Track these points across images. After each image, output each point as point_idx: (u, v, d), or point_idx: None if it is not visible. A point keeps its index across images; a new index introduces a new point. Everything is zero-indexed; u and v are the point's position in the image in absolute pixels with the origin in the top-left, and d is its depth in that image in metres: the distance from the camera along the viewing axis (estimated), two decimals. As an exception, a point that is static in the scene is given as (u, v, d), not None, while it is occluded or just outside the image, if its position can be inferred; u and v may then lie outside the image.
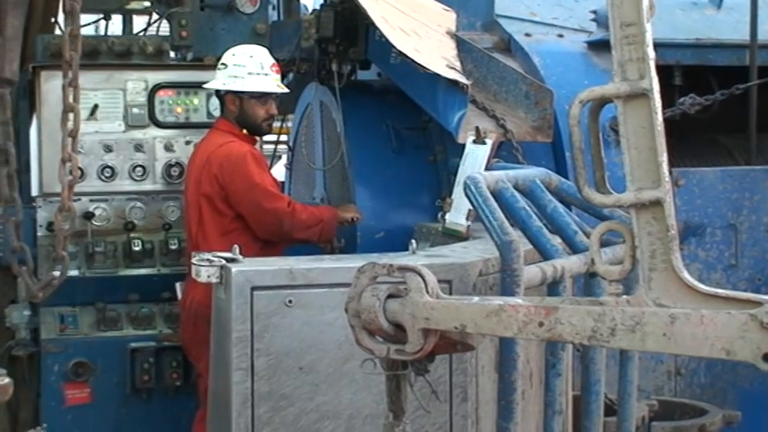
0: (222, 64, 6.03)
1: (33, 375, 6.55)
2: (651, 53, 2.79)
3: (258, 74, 5.98)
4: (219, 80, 6.03)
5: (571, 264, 3.95)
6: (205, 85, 6.18)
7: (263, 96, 6.01)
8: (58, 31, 7.12)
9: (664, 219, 2.78)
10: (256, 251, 5.63)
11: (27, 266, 3.86)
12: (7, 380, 2.22)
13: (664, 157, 2.77)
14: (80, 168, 6.28)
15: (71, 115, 3.79)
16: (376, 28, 5.69)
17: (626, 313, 2.78)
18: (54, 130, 6.25)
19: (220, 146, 5.94)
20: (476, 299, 3.19)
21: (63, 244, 3.71)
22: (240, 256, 4.15)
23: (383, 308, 3.20)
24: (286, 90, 6.20)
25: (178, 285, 6.23)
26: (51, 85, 6.36)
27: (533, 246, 4.03)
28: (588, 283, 4.11)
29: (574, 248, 4.12)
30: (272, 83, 6.01)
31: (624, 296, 2.94)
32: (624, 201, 2.85)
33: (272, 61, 6.04)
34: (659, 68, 2.84)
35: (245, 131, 6.05)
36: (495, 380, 3.94)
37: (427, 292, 3.15)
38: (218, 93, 6.13)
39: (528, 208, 4.08)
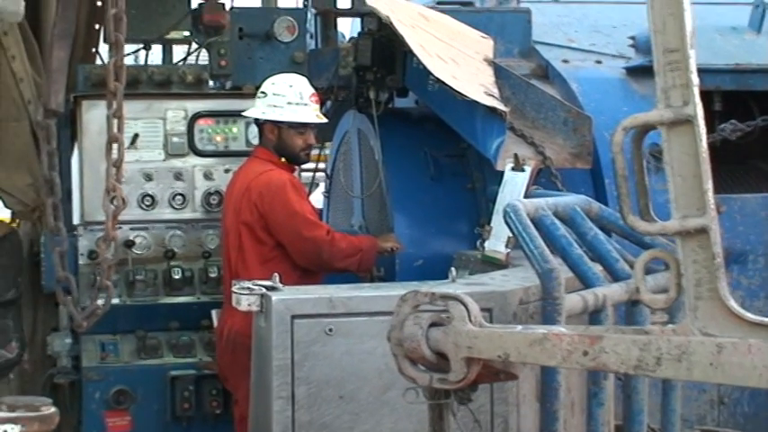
0: (261, 92, 6.03)
1: (74, 403, 6.55)
2: (695, 79, 2.76)
3: (297, 104, 5.97)
4: (258, 109, 6.03)
5: (613, 292, 3.92)
6: (244, 113, 6.18)
7: (301, 126, 6.00)
8: (98, 61, 7.14)
9: (709, 246, 2.75)
10: (296, 279, 5.60)
11: (72, 296, 3.86)
12: (53, 409, 2.21)
13: (709, 185, 2.74)
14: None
15: (115, 145, 3.80)
16: (414, 55, 5.68)
17: (672, 342, 2.75)
18: (95, 160, 6.27)
19: (260, 174, 5.93)
20: (519, 327, 3.16)
21: (108, 273, 3.72)
22: (280, 285, 4.15)
23: (426, 336, 3.19)
24: (325, 120, 6.20)
25: (214, 313, 6.22)
26: (92, 115, 6.37)
27: (574, 273, 4.00)
28: (630, 312, 4.08)
29: (615, 276, 4.09)
30: (311, 113, 6.00)
31: (670, 325, 2.89)
32: (669, 228, 2.81)
33: (312, 91, 6.04)
34: (700, 95, 2.81)
35: (283, 160, 6.05)
36: (536, 409, 3.91)
37: (470, 320, 3.14)
38: (256, 121, 6.13)
39: (568, 235, 4.05)
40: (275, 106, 5.97)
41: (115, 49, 3.70)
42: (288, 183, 5.88)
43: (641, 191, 2.94)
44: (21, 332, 6.54)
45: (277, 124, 5.99)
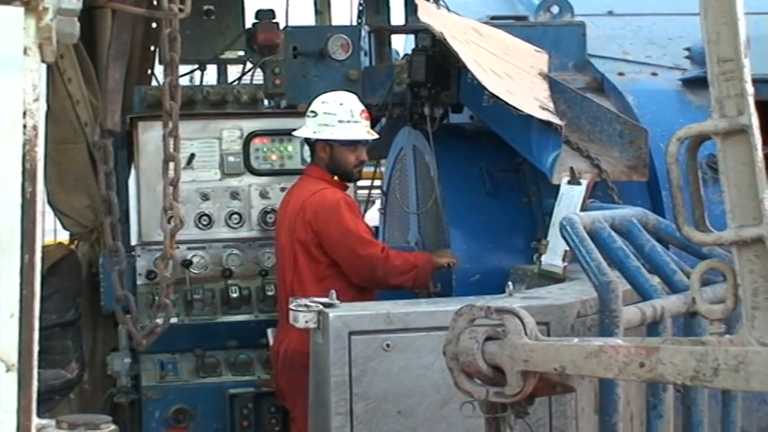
0: (312, 111, 6.07)
1: (135, 422, 6.62)
2: (750, 89, 2.76)
3: (348, 121, 6.00)
4: (310, 128, 6.06)
5: (671, 303, 3.91)
6: (295, 133, 6.22)
7: (353, 143, 6.04)
8: (154, 83, 7.24)
9: (766, 256, 2.74)
10: (352, 297, 5.63)
11: (131, 315, 3.92)
12: (113, 427, 2.25)
13: (765, 194, 2.74)
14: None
15: (172, 164, 3.85)
16: (468, 71, 5.69)
17: (729, 353, 2.75)
18: (152, 180, 6.35)
19: (314, 193, 5.97)
20: (575, 340, 3.17)
21: (166, 292, 3.77)
22: (337, 301, 4.18)
23: (482, 350, 3.20)
24: (376, 136, 6.23)
25: (270, 332, 6.26)
26: (149, 136, 6.46)
27: (632, 286, 3.99)
28: (689, 323, 4.06)
29: (673, 288, 4.08)
30: (363, 130, 6.04)
31: (727, 336, 2.89)
32: (725, 239, 2.81)
33: (362, 108, 6.07)
34: (755, 104, 2.81)
35: (336, 178, 6.08)
36: (595, 422, 3.91)
37: (526, 333, 3.14)
38: (307, 140, 6.17)
39: (625, 248, 4.05)
40: (326, 125, 6.01)
41: (170, 68, 3.75)
42: (342, 201, 5.92)
43: (696, 201, 2.94)
44: (80, 352, 6.63)
45: (329, 142, 6.02)
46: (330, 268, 5.93)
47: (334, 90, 6.25)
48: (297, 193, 6.10)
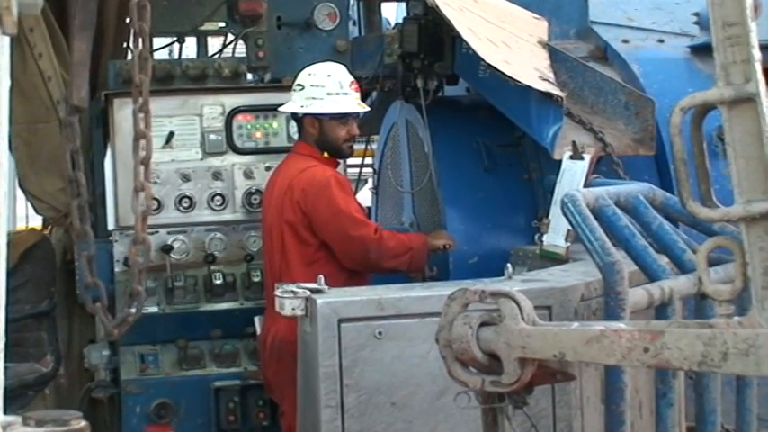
0: (298, 85, 6.06)
1: (114, 418, 6.63)
2: (757, 54, 2.75)
3: (337, 93, 5.99)
4: (297, 103, 6.05)
5: (680, 285, 3.91)
6: (281, 109, 6.20)
7: (343, 117, 6.03)
8: (130, 56, 7.22)
9: (776, 233, 2.74)
10: (342, 281, 5.63)
11: (101, 303, 3.90)
12: (83, 423, 2.24)
13: (775, 166, 2.73)
14: (156, 199, 6.38)
15: (143, 142, 3.84)
16: (462, 40, 5.69)
17: (738, 336, 2.74)
18: (129, 161, 6.26)
19: (302, 171, 5.96)
20: (575, 324, 3.16)
21: (138, 278, 3.75)
22: (326, 287, 4.17)
23: (476, 337, 3.20)
24: (367, 109, 6.23)
25: (257, 320, 6.25)
26: (125, 114, 6.41)
27: (638, 266, 4.00)
28: (700, 306, 4.07)
29: (682, 268, 4.08)
30: (353, 102, 6.03)
31: (736, 317, 2.88)
32: (732, 214, 2.81)
33: (351, 79, 6.06)
34: (764, 72, 2.80)
35: (326, 154, 6.07)
36: (601, 412, 3.91)
37: (522, 318, 3.14)
38: (294, 115, 6.16)
39: (631, 226, 4.05)
40: (314, 98, 5.99)
41: (140, 39, 3.73)
42: (332, 179, 5.91)
43: (702, 175, 2.93)
44: (56, 345, 6.62)
45: (317, 117, 6.01)
46: (320, 251, 5.93)
47: (321, 62, 6.23)
48: (284, 171, 6.10)
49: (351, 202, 5.98)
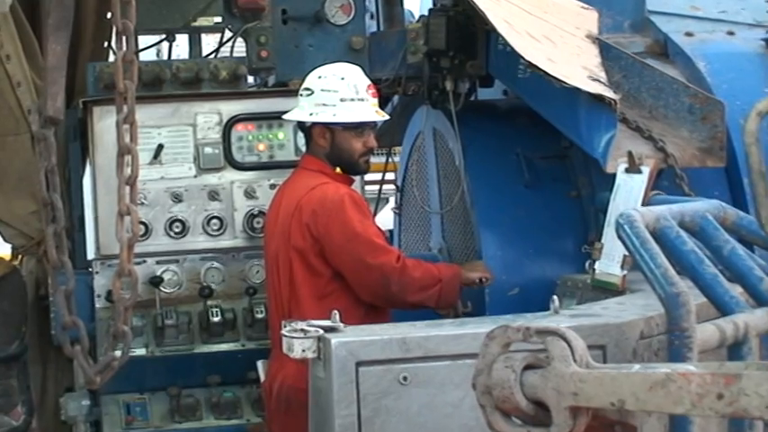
0: (306, 89, 6.04)
1: (96, 480, 6.64)
2: None
3: (352, 99, 5.97)
4: (305, 110, 6.03)
5: (757, 319, 3.89)
6: (286, 116, 6.18)
7: (359, 127, 6.01)
8: (112, 58, 7.24)
9: None
10: (359, 318, 5.62)
11: (81, 345, 3.90)
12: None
13: None
14: (143, 223, 6.39)
15: (127, 158, 3.85)
16: (498, 35, 5.69)
17: (830, 380, 2.72)
18: (111, 179, 6.28)
19: (312, 189, 5.94)
20: (636, 367, 3.14)
21: (123, 316, 3.75)
22: (341, 324, 4.15)
23: (520, 382, 3.19)
24: (386, 117, 6.22)
25: (260, 364, 6.22)
26: (106, 124, 6.41)
27: (707, 298, 3.97)
28: (781, 343, 4.05)
29: (759, 300, 4.06)
30: (370, 109, 6.01)
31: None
32: (820, 237, 2.79)
33: (368, 82, 6.04)
34: None
35: (339, 170, 6.05)
36: (665, 468, 3.89)
37: (574, 360, 3.13)
38: (302, 125, 6.14)
39: (698, 251, 4.02)
40: (325, 105, 5.98)
41: (123, 39, 3.74)
42: (346, 197, 5.89)
43: (784, 190, 2.92)
44: (28, 394, 6.63)
45: (329, 126, 6.00)
46: (333, 282, 5.91)
47: (333, 62, 6.23)
48: (290, 190, 6.08)
49: (368, 225, 5.95)
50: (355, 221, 5.85)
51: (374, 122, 6.11)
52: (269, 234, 6.20)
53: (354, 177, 6.23)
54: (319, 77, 6.04)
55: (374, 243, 5.87)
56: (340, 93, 5.97)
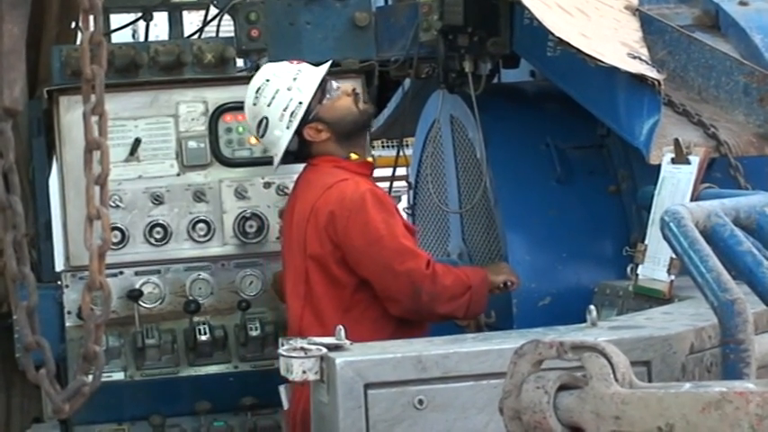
0: (258, 123, 6.09)
1: None
2: None
3: (295, 78, 6.00)
4: (277, 135, 6.04)
5: (824, 329, 3.89)
6: (276, 166, 6.17)
7: (323, 86, 6.03)
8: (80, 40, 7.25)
9: None
10: (390, 332, 5.61)
11: (47, 369, 3.89)
12: None
13: None
14: (118, 229, 6.39)
15: (97, 154, 3.83)
16: (524, 8, 5.68)
17: None
18: (82, 179, 6.28)
19: (328, 188, 5.88)
20: (686, 386, 3.14)
21: (95, 336, 3.74)
22: (347, 341, 4.15)
23: (553, 405, 3.19)
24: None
25: (282, 389, 6.16)
26: (75, 116, 6.38)
27: (767, 305, 3.97)
28: None
29: (827, 307, 4.05)
30: (314, 69, 6.05)
31: None
32: None
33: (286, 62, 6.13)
34: None
35: (353, 156, 6.02)
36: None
37: (616, 379, 3.13)
38: (293, 147, 6.11)
39: (756, 252, 4.02)
40: (285, 108, 5.98)
41: (92, 18, 3.73)
42: (368, 194, 5.86)
43: None
44: (-11, 425, 6.65)
45: (310, 117, 5.98)
46: (359, 292, 5.87)
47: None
48: (303, 192, 6.05)
49: (395, 225, 5.88)
50: (378, 222, 5.81)
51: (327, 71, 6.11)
52: (285, 246, 6.16)
53: (373, 166, 6.18)
54: (254, 104, 6.09)
55: (401, 246, 5.82)
56: (280, 88, 5.99)
